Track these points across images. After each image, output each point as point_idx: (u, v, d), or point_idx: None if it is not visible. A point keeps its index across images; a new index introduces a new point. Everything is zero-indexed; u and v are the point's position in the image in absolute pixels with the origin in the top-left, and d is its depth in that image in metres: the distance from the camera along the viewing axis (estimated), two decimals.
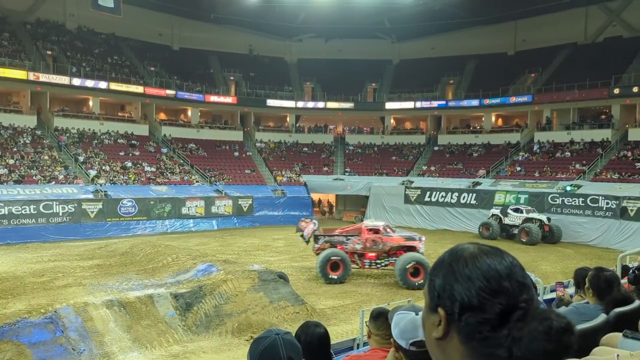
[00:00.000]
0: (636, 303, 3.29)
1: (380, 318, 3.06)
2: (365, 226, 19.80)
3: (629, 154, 33.57)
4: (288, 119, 47.39)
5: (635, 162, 32.33)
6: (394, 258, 18.68)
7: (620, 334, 2.80)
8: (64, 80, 36.41)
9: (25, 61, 35.88)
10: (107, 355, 10.81)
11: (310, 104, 46.65)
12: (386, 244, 19.03)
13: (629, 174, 31.22)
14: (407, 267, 17.52)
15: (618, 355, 2.45)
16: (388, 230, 19.64)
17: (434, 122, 46.36)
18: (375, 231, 19.22)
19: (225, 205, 33.95)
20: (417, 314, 2.28)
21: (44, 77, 35.59)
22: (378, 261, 19.17)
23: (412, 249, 18.79)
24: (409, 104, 45.26)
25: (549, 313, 0.96)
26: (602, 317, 3.00)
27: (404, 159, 42.84)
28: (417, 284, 17.34)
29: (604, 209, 28.06)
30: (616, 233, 26.84)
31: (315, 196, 39.91)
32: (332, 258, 18.26)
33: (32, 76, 35.01)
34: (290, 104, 46.07)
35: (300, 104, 46.34)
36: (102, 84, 37.84)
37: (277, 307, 13.49)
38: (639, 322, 3.01)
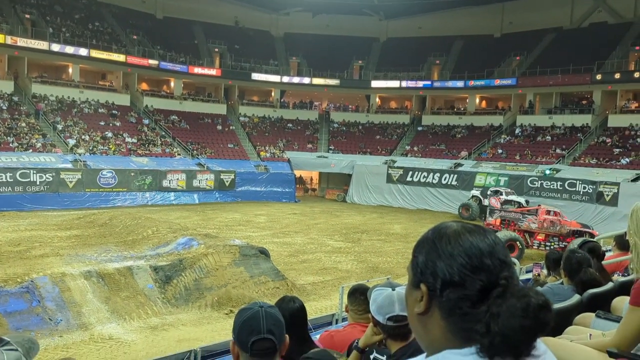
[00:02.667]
0: (609, 285, 3.38)
1: (355, 294, 3.12)
2: (544, 207, 20.48)
3: (608, 140, 34.13)
4: (273, 93, 46.92)
5: (614, 148, 32.90)
6: (565, 243, 18.75)
7: (593, 314, 2.88)
8: (42, 45, 35.33)
9: (2, 24, 34.74)
10: (84, 326, 10.78)
11: (296, 79, 46.21)
12: (564, 227, 19.43)
13: (606, 159, 31.79)
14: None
15: (590, 334, 2.52)
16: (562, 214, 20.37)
17: (418, 102, 46.37)
18: (554, 213, 19.71)
19: (207, 179, 33.74)
20: (393, 290, 2.32)
21: (21, 42, 34.47)
22: (547, 243, 19.52)
23: (582, 235, 18.80)
24: (395, 83, 45.10)
25: (527, 291, 0.96)
26: (576, 297, 3.08)
27: (388, 138, 42.91)
28: None
29: (581, 193, 28.64)
30: (592, 217, 27.42)
31: (297, 173, 39.85)
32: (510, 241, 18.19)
33: (9, 40, 33.89)
34: (275, 78, 45.54)
35: (285, 79, 45.86)
36: (83, 51, 36.83)
37: (258, 282, 13.57)
38: (612, 303, 3.09)
